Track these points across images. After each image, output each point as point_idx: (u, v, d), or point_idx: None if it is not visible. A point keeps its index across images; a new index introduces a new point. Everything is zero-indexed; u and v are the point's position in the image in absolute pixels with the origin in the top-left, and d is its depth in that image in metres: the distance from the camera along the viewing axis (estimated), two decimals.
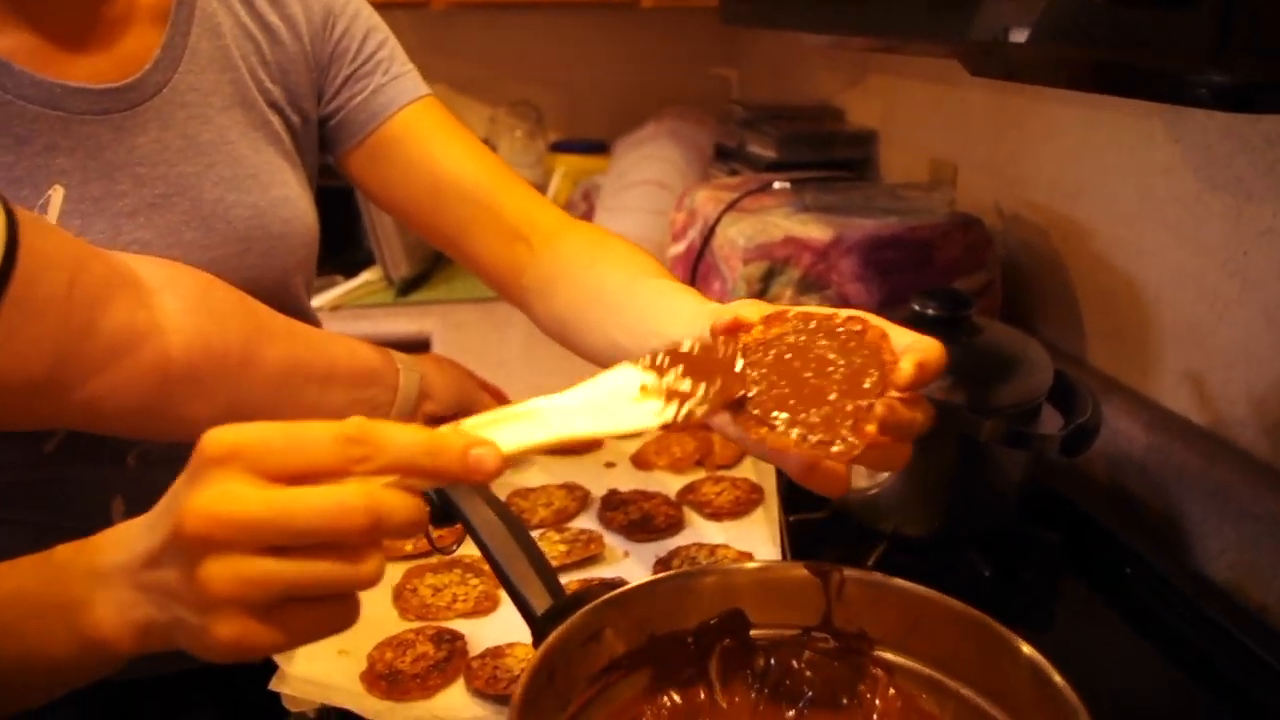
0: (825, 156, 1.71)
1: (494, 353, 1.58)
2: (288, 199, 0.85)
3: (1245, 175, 0.93)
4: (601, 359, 0.78)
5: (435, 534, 0.74)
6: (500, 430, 0.48)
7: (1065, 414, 0.90)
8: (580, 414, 0.51)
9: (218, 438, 0.44)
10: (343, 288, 1.90)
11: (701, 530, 0.89)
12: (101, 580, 0.48)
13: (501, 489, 0.96)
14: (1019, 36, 0.58)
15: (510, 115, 2.32)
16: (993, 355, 0.89)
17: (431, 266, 1.99)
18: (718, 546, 0.84)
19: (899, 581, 0.59)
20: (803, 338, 0.56)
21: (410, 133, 0.89)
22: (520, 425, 0.49)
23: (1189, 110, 1.00)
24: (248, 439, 0.44)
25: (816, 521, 0.95)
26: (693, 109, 2.12)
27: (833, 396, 0.53)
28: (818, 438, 0.51)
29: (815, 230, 1.22)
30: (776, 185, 1.34)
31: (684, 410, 0.52)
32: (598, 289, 0.80)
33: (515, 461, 0.49)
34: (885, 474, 0.90)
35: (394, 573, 0.81)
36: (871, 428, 0.51)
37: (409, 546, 0.84)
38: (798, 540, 0.89)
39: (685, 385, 0.53)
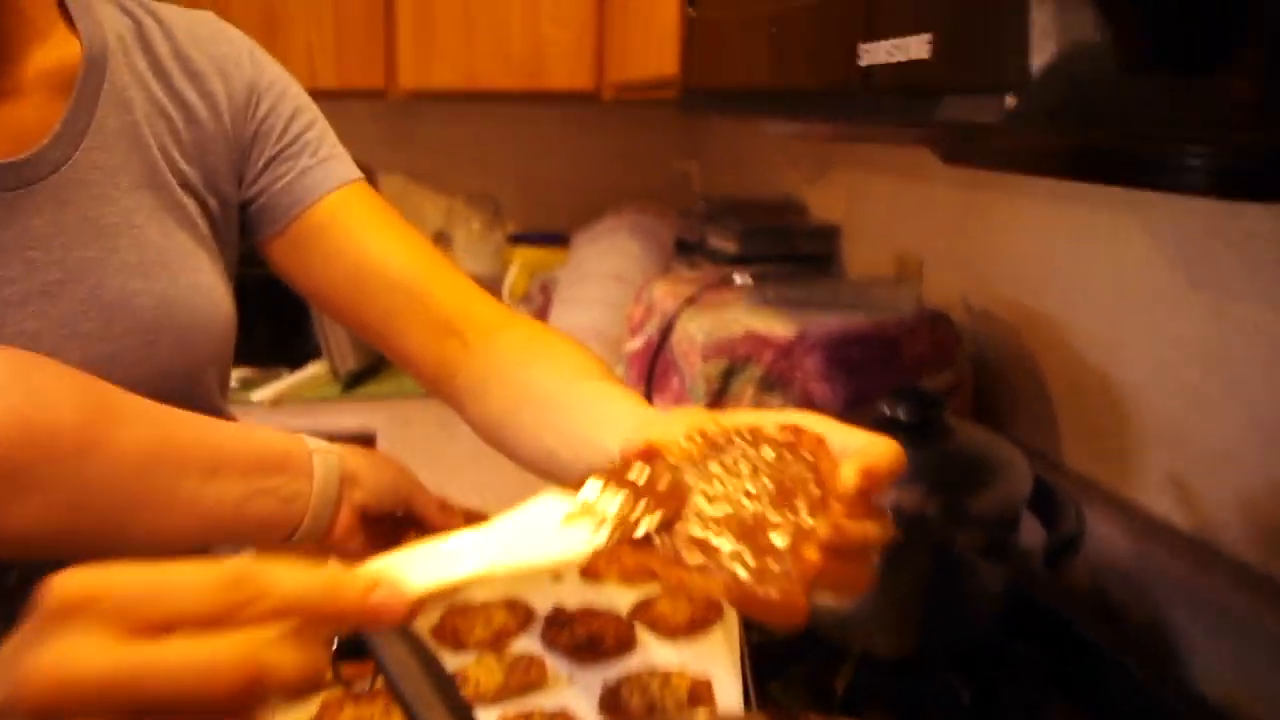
0: (788, 251, 1.68)
1: (442, 451, 1.50)
2: (200, 287, 0.78)
3: (1227, 271, 0.89)
4: (536, 466, 0.71)
5: (347, 669, 0.66)
6: (410, 568, 0.41)
7: (1045, 522, 0.84)
8: (502, 546, 0.44)
9: (66, 583, 0.37)
10: (286, 381, 1.82)
11: (655, 652, 0.81)
12: None
13: (437, 602, 0.87)
14: (999, 119, 0.53)
15: (468, 206, 2.28)
16: (967, 460, 0.83)
17: (380, 360, 1.92)
18: (671, 672, 0.77)
19: None
20: (728, 456, 0.49)
21: (337, 218, 0.83)
22: (434, 562, 0.42)
23: (1165, 205, 0.96)
24: (103, 584, 0.37)
25: (779, 641, 0.87)
26: (654, 203, 2.09)
27: (765, 520, 0.45)
28: (748, 575, 0.42)
29: (778, 326, 1.17)
30: (738, 279, 1.29)
31: (617, 534, 0.45)
32: (532, 391, 0.74)
33: (427, 603, 0.42)
34: None
35: (309, 704, 0.72)
36: (812, 554, 0.43)
37: (328, 676, 0.75)
38: (760, 662, 0.82)
39: (617, 506, 0.46)
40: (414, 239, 0.85)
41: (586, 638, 0.81)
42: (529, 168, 2.44)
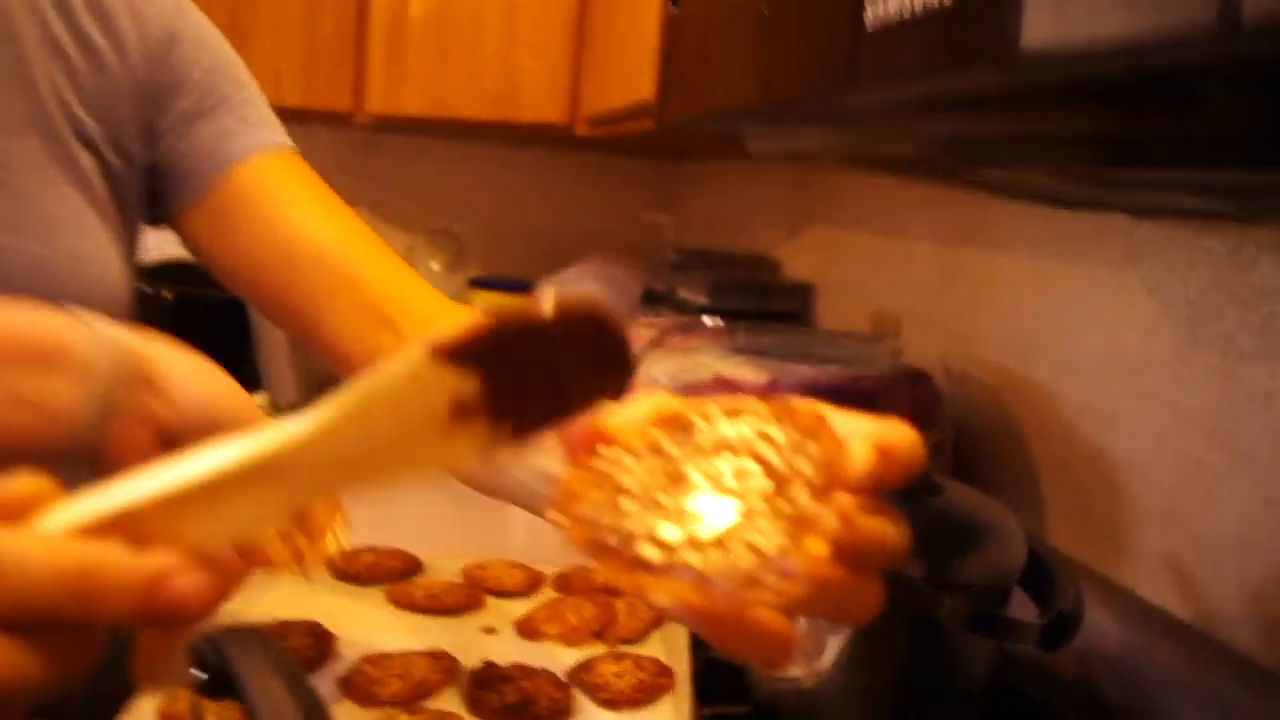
0: (760, 306, 1.60)
1: (381, 494, 1.39)
2: (87, 255, 0.68)
3: (1236, 332, 0.82)
4: (472, 476, 0.64)
5: (212, 710, 0.55)
6: (200, 517, 0.30)
7: (1039, 600, 0.75)
8: (346, 460, 0.33)
9: None
10: None
11: None
12: None
13: (348, 651, 0.77)
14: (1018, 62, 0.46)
15: (430, 244, 2.20)
16: (955, 522, 0.75)
17: (321, 393, 1.81)
18: None
19: None
20: (702, 438, 0.37)
21: (260, 186, 0.74)
22: (237, 501, 0.31)
23: (1168, 259, 0.90)
24: None
25: (737, 717, 0.77)
26: (623, 254, 2.02)
27: (752, 510, 0.34)
28: (730, 581, 0.32)
29: (748, 373, 1.09)
30: (707, 321, 1.21)
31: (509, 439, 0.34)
32: None
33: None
34: (824, 661, 0.73)
35: None
36: (818, 546, 0.32)
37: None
38: None
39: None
40: (348, 217, 0.76)
41: (517, 701, 0.70)
42: (496, 210, 2.37)
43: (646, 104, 1.17)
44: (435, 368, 0.34)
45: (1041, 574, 0.75)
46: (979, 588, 0.71)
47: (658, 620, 0.86)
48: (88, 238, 0.69)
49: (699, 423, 0.38)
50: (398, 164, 2.31)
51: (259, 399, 1.79)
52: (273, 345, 1.69)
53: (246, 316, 1.71)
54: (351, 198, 0.80)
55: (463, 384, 0.34)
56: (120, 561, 0.28)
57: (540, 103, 1.71)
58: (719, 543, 0.33)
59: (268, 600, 0.86)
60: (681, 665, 0.78)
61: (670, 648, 0.81)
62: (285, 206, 0.74)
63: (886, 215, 1.44)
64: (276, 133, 0.77)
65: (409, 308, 0.73)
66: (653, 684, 0.74)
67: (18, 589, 0.27)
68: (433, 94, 1.78)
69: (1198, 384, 0.86)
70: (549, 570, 0.98)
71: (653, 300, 1.83)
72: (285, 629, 0.79)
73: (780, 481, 0.34)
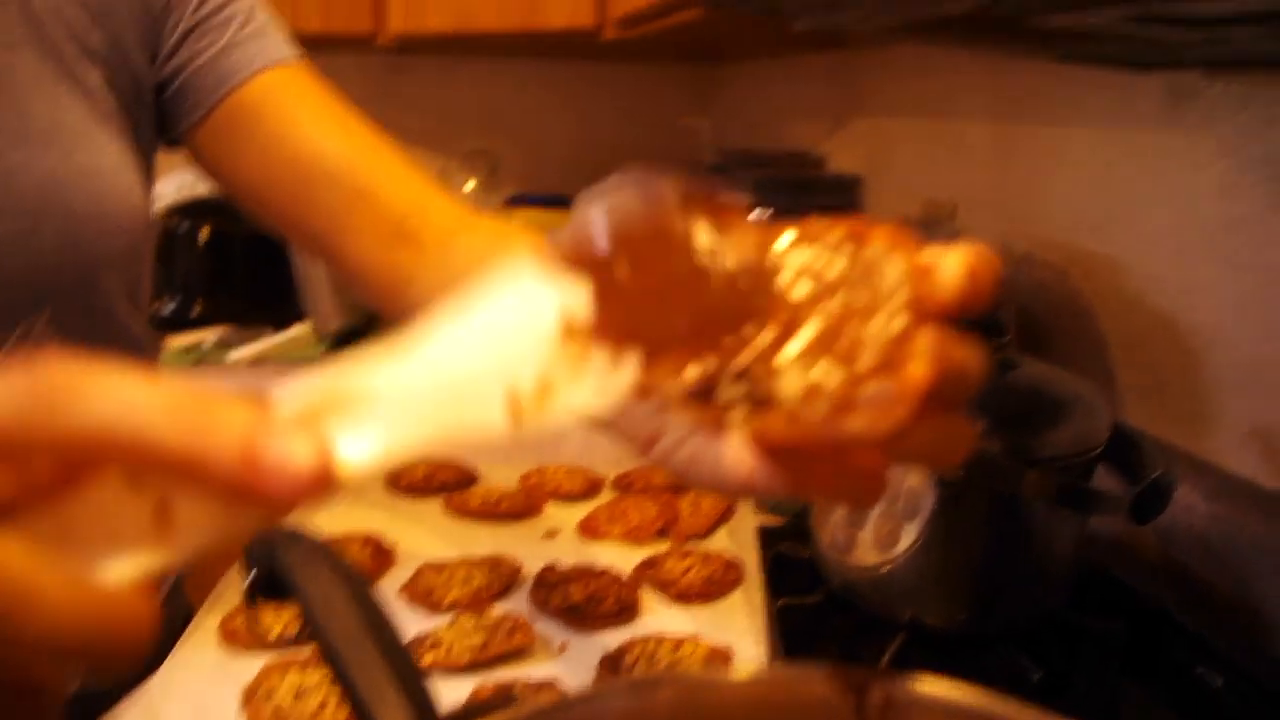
0: (806, 203, 1.55)
1: None
2: (99, 170, 0.65)
3: None
4: None
5: (266, 615, 0.53)
6: (337, 418, 0.26)
7: (1125, 474, 0.71)
8: (464, 398, 0.28)
9: None
10: (266, 341, 1.70)
11: (664, 617, 0.69)
12: None
13: (409, 561, 0.75)
14: None
15: (463, 166, 2.16)
16: (1034, 396, 0.71)
17: (366, 322, 1.79)
18: (684, 639, 0.64)
19: (984, 699, 0.38)
20: (760, 260, 0.32)
21: (271, 101, 0.70)
22: (357, 411, 0.26)
23: (1246, 118, 0.84)
24: None
25: (811, 607, 0.75)
26: (661, 161, 1.96)
27: (830, 333, 0.30)
28: (826, 406, 0.28)
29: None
30: (753, 215, 1.17)
31: (669, 381, 0.29)
32: None
33: (348, 486, 0.25)
34: (901, 545, 0.70)
35: (246, 667, 0.60)
36: (919, 369, 0.28)
37: (275, 630, 0.63)
38: (787, 632, 0.69)
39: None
40: (363, 129, 0.72)
41: (582, 600, 0.68)
42: (529, 127, 2.32)
43: None
44: (543, 281, 0.30)
45: (1127, 447, 0.72)
46: (1063, 461, 0.68)
47: (723, 516, 0.83)
48: (99, 152, 0.66)
49: (764, 243, 0.33)
50: (424, 86, 2.27)
51: (302, 327, 1.78)
52: (313, 277, 1.67)
53: (284, 250, 1.69)
54: (379, 123, 0.76)
55: (575, 299, 0.30)
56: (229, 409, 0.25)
57: (566, 7, 1.64)
58: (804, 371, 0.29)
59: (322, 517, 0.84)
60: (750, 559, 0.76)
61: (738, 542, 0.79)
62: (296, 121, 0.70)
63: (936, 97, 1.37)
64: (284, 45, 0.73)
65: (431, 221, 0.68)
66: (722, 578, 0.72)
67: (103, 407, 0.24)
68: (455, 7, 1.72)
69: None
70: (609, 473, 0.95)
71: None
72: (341, 543, 0.78)
73: (867, 305, 0.30)
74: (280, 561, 0.41)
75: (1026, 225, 1.16)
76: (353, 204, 0.69)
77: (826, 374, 0.29)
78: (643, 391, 0.29)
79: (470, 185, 2.14)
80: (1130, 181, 0.99)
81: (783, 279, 0.32)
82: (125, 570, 0.24)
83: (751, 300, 0.31)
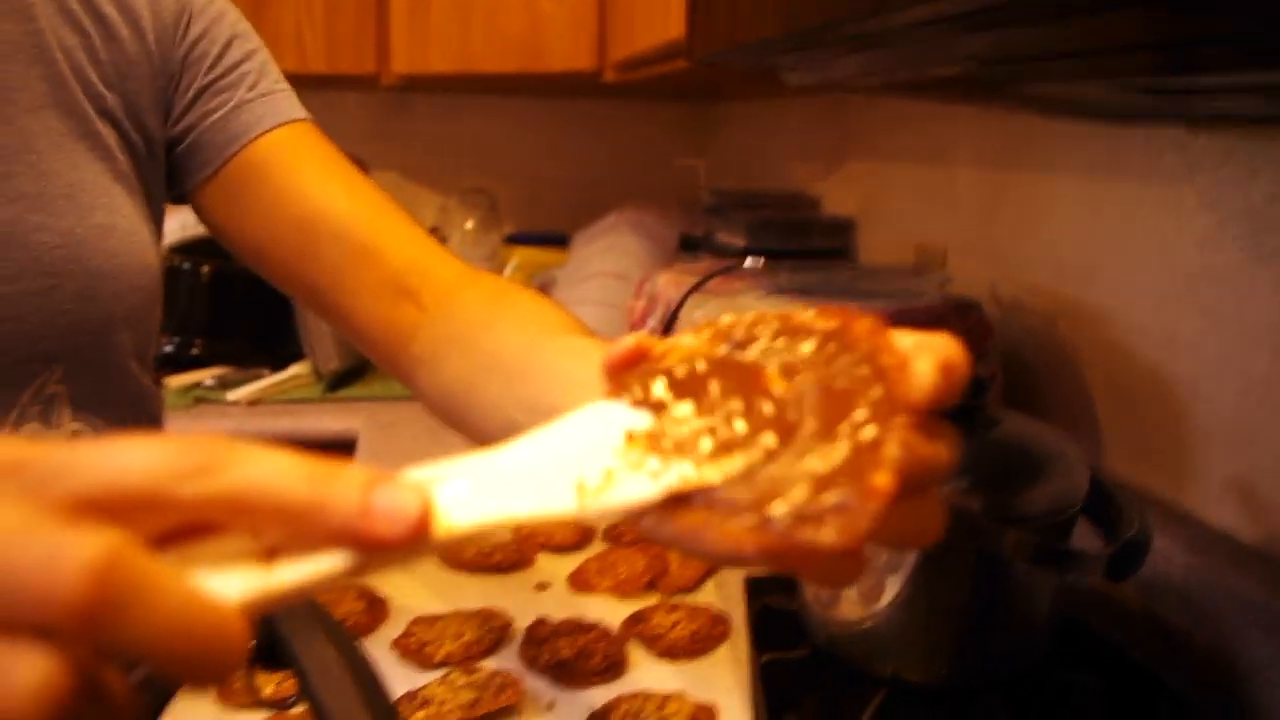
0: (800, 245, 1.56)
1: (427, 457, 1.38)
2: (115, 229, 0.67)
3: None
4: (495, 442, 0.60)
5: (265, 681, 0.54)
6: (444, 483, 0.31)
7: (1103, 529, 0.72)
8: (542, 483, 0.32)
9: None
10: (265, 381, 1.72)
11: (650, 673, 0.70)
12: None
13: (401, 614, 0.76)
14: None
15: (463, 204, 2.18)
16: (1014, 454, 0.72)
17: (365, 362, 1.81)
18: (669, 696, 0.66)
19: None
20: (745, 352, 0.35)
21: (277, 160, 0.72)
22: (480, 481, 0.32)
23: (1227, 171, 0.86)
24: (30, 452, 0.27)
25: (796, 662, 0.76)
26: (658, 201, 1.99)
27: (810, 436, 0.32)
28: (790, 515, 0.29)
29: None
30: (748, 262, 1.19)
31: (727, 465, 0.32)
32: (493, 355, 0.63)
33: (440, 545, 0.30)
34: (883, 601, 0.71)
35: None
36: (883, 480, 0.29)
37: (268, 690, 0.64)
38: (772, 687, 0.70)
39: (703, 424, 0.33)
40: (366, 188, 0.74)
41: (571, 656, 0.70)
42: (528, 165, 2.34)
43: (676, 43, 1.14)
44: (614, 404, 0.36)
45: (1105, 502, 0.73)
46: (1042, 520, 0.69)
47: (711, 569, 0.85)
48: (115, 211, 0.68)
49: (747, 339, 0.36)
50: (427, 124, 2.29)
51: (301, 367, 1.79)
52: (312, 317, 1.69)
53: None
54: (382, 160, 0.78)
55: (638, 417, 0.35)
56: (352, 473, 0.29)
57: (566, 51, 1.67)
58: (772, 476, 0.31)
59: None
60: (737, 612, 0.77)
61: (725, 595, 0.80)
62: (301, 180, 0.72)
63: (928, 143, 1.39)
64: (291, 105, 0.75)
65: (431, 278, 0.70)
66: (708, 633, 0.73)
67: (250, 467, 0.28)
68: (457, 50, 1.75)
69: (1262, 298, 0.83)
70: (599, 524, 0.97)
71: (690, 246, 1.80)
72: (337, 594, 0.79)
73: (839, 402, 0.32)
74: (278, 629, 0.43)
75: (1015, 272, 1.18)
76: (355, 261, 0.71)
77: (793, 480, 0.30)
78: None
79: (470, 223, 2.16)
80: (1116, 231, 1.01)
81: (767, 374, 0.34)
82: (232, 590, 0.27)
83: (723, 392, 0.34)
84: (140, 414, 0.73)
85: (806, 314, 0.36)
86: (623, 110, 2.33)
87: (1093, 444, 1.04)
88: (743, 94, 2.05)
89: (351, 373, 1.76)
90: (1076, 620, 0.84)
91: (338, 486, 0.28)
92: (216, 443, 0.28)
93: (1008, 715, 0.71)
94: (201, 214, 0.75)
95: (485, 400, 0.62)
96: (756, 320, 0.37)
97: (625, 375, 0.37)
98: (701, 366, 0.35)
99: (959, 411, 0.71)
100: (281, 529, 0.29)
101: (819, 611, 0.76)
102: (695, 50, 0.89)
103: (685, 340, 0.37)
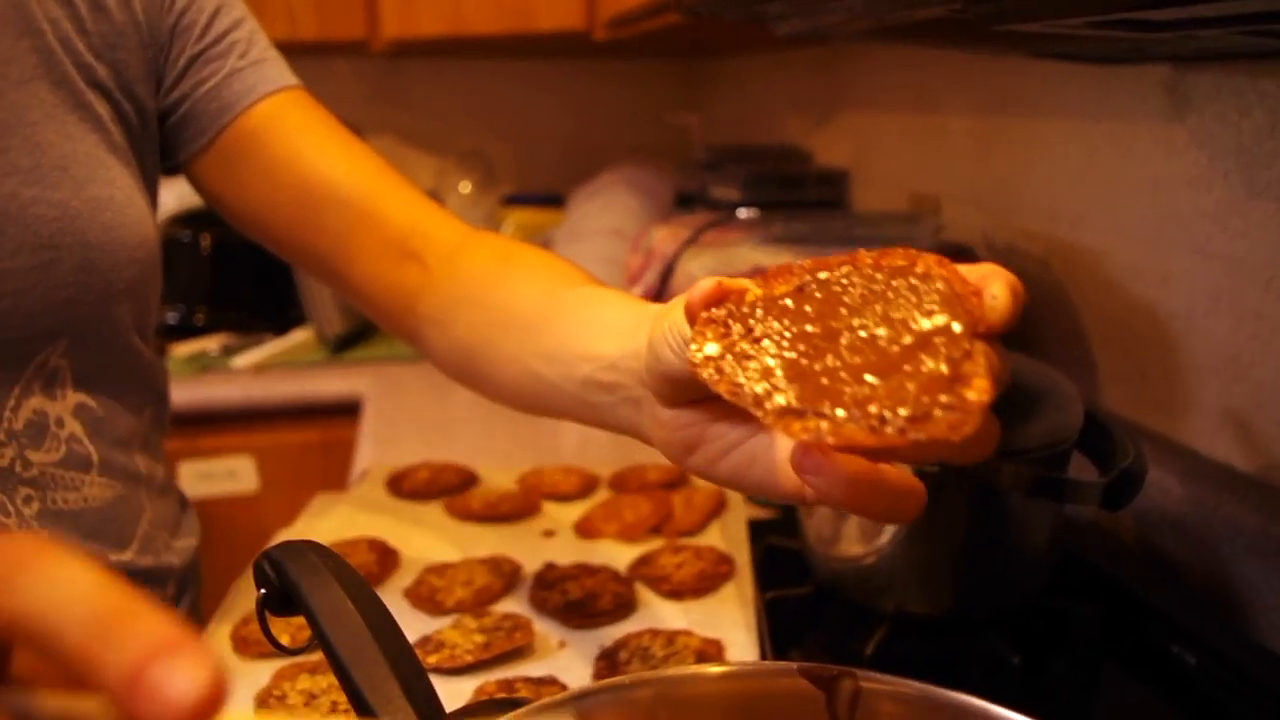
0: (794, 197, 1.57)
1: (433, 415, 1.41)
2: (112, 201, 0.66)
3: None
4: (518, 396, 0.61)
5: (276, 623, 0.55)
6: None
7: (1098, 461, 0.74)
8: None
9: None
10: (270, 346, 1.73)
11: (658, 612, 0.72)
12: None
13: (412, 564, 0.78)
14: None
15: (459, 167, 2.18)
16: (1010, 389, 0.73)
17: (369, 324, 1.82)
18: (678, 633, 0.67)
19: (946, 695, 0.40)
20: (826, 286, 0.38)
21: (273, 127, 0.72)
22: None
23: (1218, 108, 0.86)
24: None
25: (800, 599, 0.78)
26: (653, 157, 1.99)
27: (900, 353, 0.35)
28: (904, 415, 0.33)
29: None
30: (742, 214, 1.19)
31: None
32: (508, 309, 0.63)
33: None
34: (884, 537, 0.73)
35: (259, 674, 0.63)
36: (983, 385, 0.34)
37: (285, 638, 0.66)
38: (777, 623, 0.72)
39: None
40: (363, 152, 0.74)
41: (580, 598, 0.71)
42: (523, 126, 2.34)
43: None
44: None
45: (1100, 435, 0.74)
46: (1037, 452, 0.70)
47: (715, 511, 0.86)
48: (110, 183, 0.67)
49: (820, 276, 0.39)
50: (420, 89, 2.29)
51: (305, 332, 1.81)
52: (314, 282, 1.70)
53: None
54: (377, 126, 0.79)
55: None
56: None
57: (556, 10, 1.66)
58: (883, 387, 0.34)
59: (329, 522, 0.87)
60: (742, 553, 0.78)
61: (729, 536, 0.82)
62: (297, 147, 0.72)
63: (918, 92, 1.40)
64: (282, 72, 0.75)
65: (433, 239, 0.71)
66: (714, 572, 0.75)
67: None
68: (447, 12, 1.75)
69: (1253, 234, 0.83)
70: (604, 472, 0.98)
71: (686, 201, 1.80)
72: (348, 547, 0.80)
73: (925, 326, 0.35)
74: (288, 576, 0.44)
75: (1008, 217, 1.19)
76: (356, 226, 0.71)
77: (904, 387, 0.34)
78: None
79: (466, 186, 2.16)
80: (1107, 172, 1.02)
81: (850, 304, 0.37)
82: None
83: (835, 328, 0.37)
84: (143, 386, 0.73)
85: (872, 253, 0.39)
86: (615, 69, 2.33)
87: (1089, 382, 1.05)
88: (734, 49, 2.04)
89: (355, 335, 1.77)
90: (1075, 553, 0.86)
91: (119, 640, 0.23)
92: (15, 555, 0.24)
93: (1008, 646, 0.73)
94: (197, 184, 0.75)
95: (503, 354, 0.62)
96: (823, 263, 0.39)
97: (711, 313, 0.39)
98: (786, 299, 0.38)
99: None
100: (54, 667, 0.24)
101: (821, 550, 0.77)
102: (688, 1, 0.89)
103: (754, 281, 0.40)
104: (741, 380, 0.37)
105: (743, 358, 0.37)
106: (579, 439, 1.24)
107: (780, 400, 0.35)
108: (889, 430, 0.33)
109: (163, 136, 0.74)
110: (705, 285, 0.40)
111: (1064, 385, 0.75)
